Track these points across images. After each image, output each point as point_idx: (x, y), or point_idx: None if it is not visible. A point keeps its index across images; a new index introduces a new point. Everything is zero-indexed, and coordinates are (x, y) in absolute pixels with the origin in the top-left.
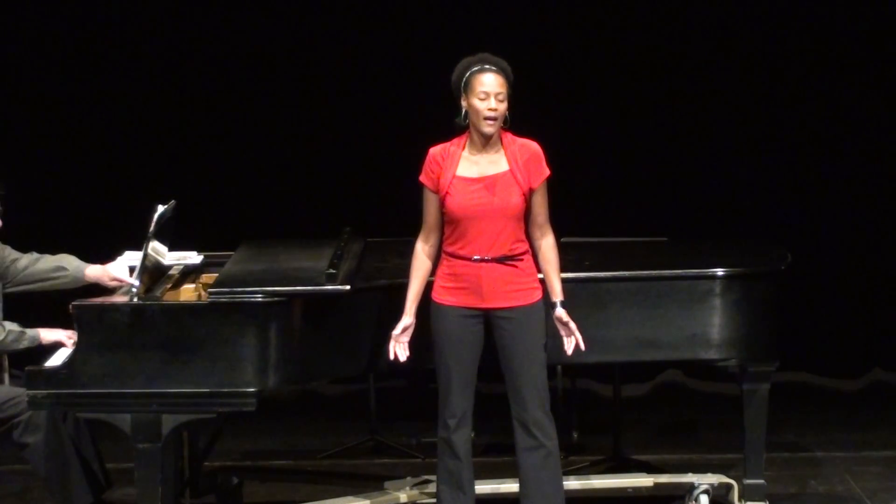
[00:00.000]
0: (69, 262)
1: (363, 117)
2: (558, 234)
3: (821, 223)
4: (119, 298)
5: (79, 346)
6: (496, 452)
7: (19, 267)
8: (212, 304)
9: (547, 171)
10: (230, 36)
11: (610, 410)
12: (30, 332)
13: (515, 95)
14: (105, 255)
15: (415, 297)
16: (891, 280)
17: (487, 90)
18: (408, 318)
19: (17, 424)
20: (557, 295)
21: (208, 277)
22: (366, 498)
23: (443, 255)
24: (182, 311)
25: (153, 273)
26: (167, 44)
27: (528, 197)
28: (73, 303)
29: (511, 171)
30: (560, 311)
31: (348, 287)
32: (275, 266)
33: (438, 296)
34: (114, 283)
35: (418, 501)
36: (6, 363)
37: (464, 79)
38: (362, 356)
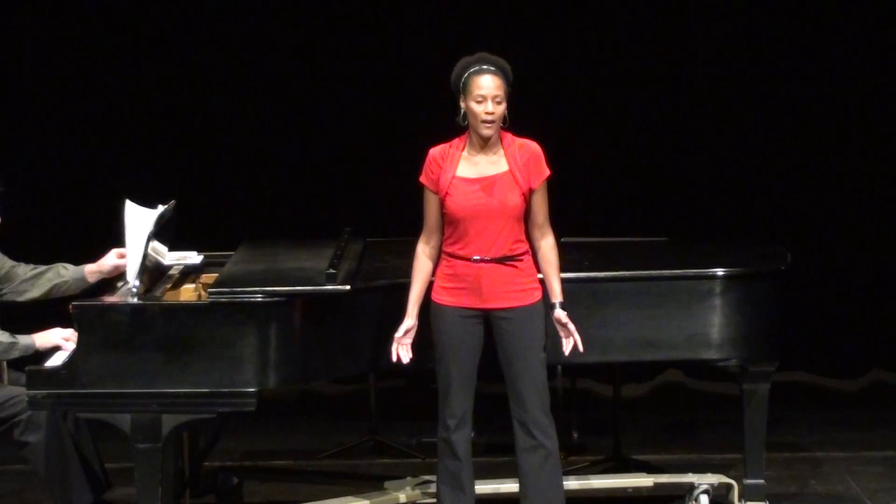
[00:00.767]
0: (65, 267)
1: (363, 117)
2: (558, 234)
3: (821, 223)
4: (119, 298)
5: (79, 346)
6: (496, 452)
7: (19, 273)
8: (212, 304)
9: (547, 171)
10: (230, 36)
11: (610, 410)
12: (23, 340)
13: (516, 95)
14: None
15: (416, 298)
16: (891, 280)
17: (484, 93)
18: (410, 320)
19: (17, 423)
20: (557, 296)
21: (208, 277)
22: (366, 498)
23: (442, 256)
24: (182, 311)
25: (153, 273)
26: (167, 43)
27: (528, 197)
28: (74, 303)
29: (510, 171)
30: (559, 313)
31: (348, 287)
32: (275, 266)
33: (438, 296)
34: (119, 264)
35: (418, 501)
36: (5, 363)
37: (462, 80)
38: (362, 356)
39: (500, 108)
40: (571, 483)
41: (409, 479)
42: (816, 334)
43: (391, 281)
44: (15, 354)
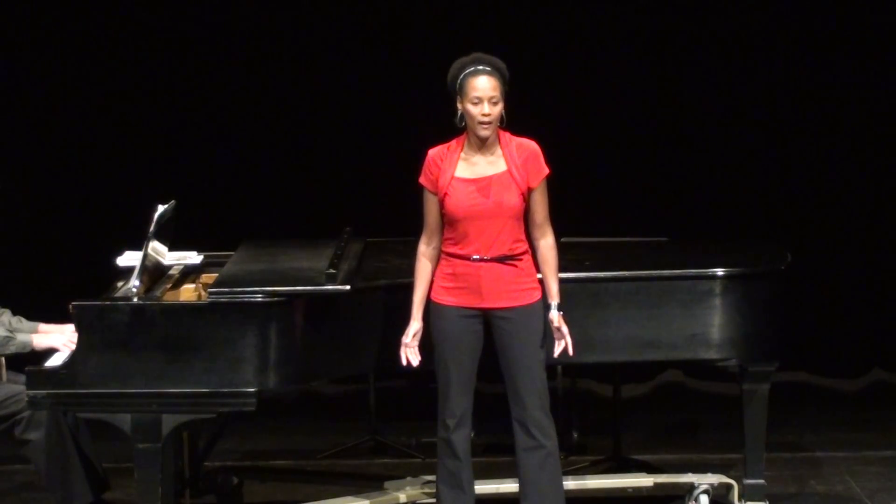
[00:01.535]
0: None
1: (363, 117)
2: (558, 235)
3: (821, 223)
4: (119, 298)
5: (79, 346)
6: (496, 452)
7: None
8: (212, 304)
9: (546, 170)
10: (230, 35)
11: (610, 410)
12: (20, 336)
13: (515, 95)
14: (105, 255)
15: (421, 301)
16: (891, 280)
17: (480, 94)
18: (416, 324)
19: (18, 421)
20: (553, 297)
21: (208, 277)
22: (366, 498)
23: (442, 255)
24: (182, 311)
25: (153, 273)
26: (167, 43)
27: (527, 196)
28: (73, 303)
29: (509, 171)
30: (553, 315)
31: (348, 287)
32: (275, 266)
33: (438, 296)
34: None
35: (418, 501)
36: (3, 360)
37: (458, 82)
38: (362, 356)
39: (497, 109)
40: (571, 483)
41: (409, 479)
42: (816, 334)
43: (391, 281)
44: (10, 350)
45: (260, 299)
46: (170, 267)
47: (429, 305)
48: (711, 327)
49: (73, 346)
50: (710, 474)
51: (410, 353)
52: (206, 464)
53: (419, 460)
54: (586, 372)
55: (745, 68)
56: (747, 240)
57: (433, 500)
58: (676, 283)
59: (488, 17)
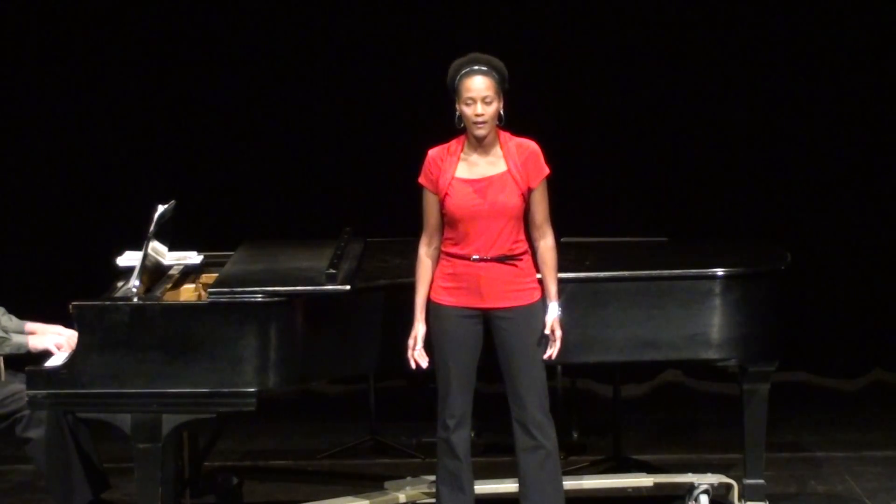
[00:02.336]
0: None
1: (363, 118)
2: (558, 234)
3: (821, 223)
4: (119, 298)
5: (79, 345)
6: (496, 452)
7: None
8: (212, 304)
9: (546, 170)
10: (230, 36)
11: (610, 410)
12: (16, 337)
13: (515, 95)
14: (105, 255)
15: (423, 303)
16: (891, 280)
17: (473, 95)
18: (421, 326)
19: (19, 420)
20: (550, 299)
21: (208, 277)
22: (366, 498)
23: (442, 255)
24: (182, 311)
25: (153, 273)
26: (167, 43)
27: (527, 197)
28: (74, 303)
29: (509, 171)
30: (547, 318)
31: (348, 287)
32: (275, 266)
33: (438, 296)
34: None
35: (418, 501)
36: (1, 359)
37: (454, 83)
38: (362, 356)
39: (491, 109)
40: (571, 483)
41: (409, 479)
42: (816, 334)
43: (391, 281)
44: (5, 350)
45: (260, 299)
46: (170, 267)
47: (429, 305)
48: (711, 327)
49: (66, 348)
50: (710, 474)
51: (418, 356)
52: (206, 464)
53: (419, 460)
54: (586, 372)
55: (746, 68)
56: (747, 240)
57: (433, 501)
58: (676, 283)
59: (488, 17)
